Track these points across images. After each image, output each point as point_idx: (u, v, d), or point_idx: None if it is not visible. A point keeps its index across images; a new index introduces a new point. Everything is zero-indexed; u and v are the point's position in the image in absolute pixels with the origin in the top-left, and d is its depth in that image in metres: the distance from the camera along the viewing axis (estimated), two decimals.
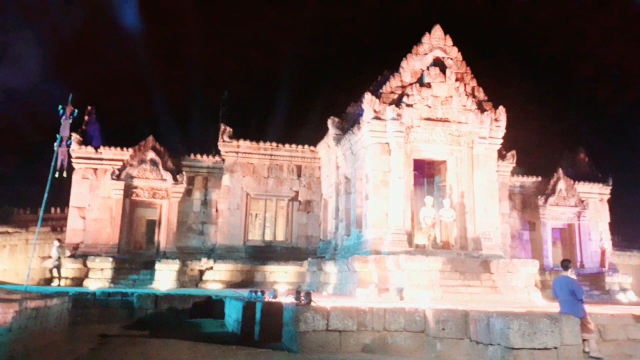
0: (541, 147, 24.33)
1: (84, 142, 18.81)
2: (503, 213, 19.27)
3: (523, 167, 22.18)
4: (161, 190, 18.58)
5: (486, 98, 16.15)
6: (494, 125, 15.49)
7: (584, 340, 7.38)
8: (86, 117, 19.50)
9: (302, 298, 9.23)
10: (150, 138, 18.93)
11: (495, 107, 15.87)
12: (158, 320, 12.01)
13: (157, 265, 17.06)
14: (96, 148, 18.81)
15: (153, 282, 16.77)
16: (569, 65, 34.32)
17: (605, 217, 21.82)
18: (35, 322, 8.54)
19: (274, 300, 10.13)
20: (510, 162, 20.40)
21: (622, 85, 31.36)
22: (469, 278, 13.40)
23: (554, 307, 10.47)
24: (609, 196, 21.99)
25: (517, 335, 6.95)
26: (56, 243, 17.47)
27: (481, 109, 15.52)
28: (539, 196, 21.03)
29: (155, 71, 36.74)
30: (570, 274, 7.76)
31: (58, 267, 17.00)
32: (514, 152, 20.41)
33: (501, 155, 18.84)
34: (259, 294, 11.05)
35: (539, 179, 21.83)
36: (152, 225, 19.57)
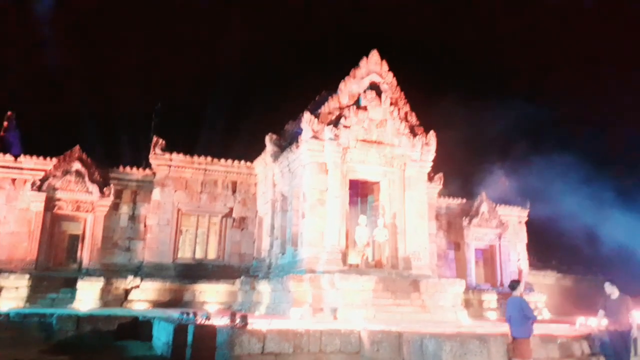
0: (467, 171, 25.61)
1: (2, 149, 17.54)
2: (430, 233, 19.95)
3: (449, 189, 23.17)
4: (86, 203, 17.64)
5: (418, 123, 16.80)
6: (424, 148, 16.08)
7: None
8: (5, 123, 18.26)
9: (238, 320, 9.05)
10: (77, 148, 17.98)
11: (427, 131, 16.53)
12: (80, 343, 11.29)
13: (79, 283, 16.10)
14: (15, 156, 17.57)
15: (74, 302, 15.78)
16: (498, 95, 36.76)
17: (523, 238, 23.26)
18: None
19: (207, 322, 9.84)
20: (437, 184, 21.26)
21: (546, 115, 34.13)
22: (400, 297, 13.72)
23: (481, 327, 10.99)
24: (526, 219, 23.49)
25: (449, 357, 7.22)
26: None
27: (413, 133, 16.12)
28: (464, 217, 21.92)
29: (84, 78, 35.03)
30: (519, 294, 8.06)
31: None
32: (441, 174, 21.32)
33: (430, 178, 19.60)
34: (191, 315, 10.67)
35: (464, 201, 22.80)
36: (74, 240, 18.47)
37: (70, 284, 16.32)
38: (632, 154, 32.97)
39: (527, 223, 23.50)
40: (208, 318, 10.13)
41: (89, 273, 16.93)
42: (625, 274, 22.35)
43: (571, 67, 39.88)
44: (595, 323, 9.15)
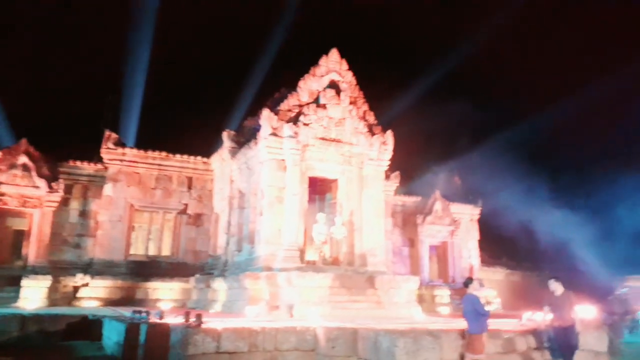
0: (422, 169, 26.18)
1: None
2: (386, 230, 20.23)
3: (405, 187, 23.59)
4: (33, 198, 16.89)
5: (376, 122, 16.99)
6: (382, 147, 16.29)
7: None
8: None
9: (192, 319, 8.92)
10: (24, 141, 17.16)
11: (384, 131, 16.75)
12: (25, 345, 10.85)
13: (24, 281, 15.44)
14: None
15: (19, 301, 15.14)
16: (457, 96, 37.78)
17: (475, 235, 23.95)
18: None
19: (160, 321, 9.65)
20: (394, 182, 21.61)
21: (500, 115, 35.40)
22: (356, 294, 13.85)
23: (434, 323, 11.28)
24: (478, 217, 24.20)
25: (402, 353, 7.37)
26: None
27: (371, 132, 16.30)
28: (418, 215, 22.32)
29: (32, 66, 33.45)
30: (473, 290, 8.38)
31: None
32: (397, 173, 21.67)
33: (386, 176, 19.86)
34: (144, 314, 10.44)
35: (419, 199, 23.26)
36: (19, 237, 17.68)
37: (14, 282, 15.61)
38: (571, 153, 34.76)
39: (478, 221, 24.21)
40: (161, 317, 9.94)
41: (36, 271, 16.24)
42: (566, 268, 23.52)
43: (517, 67, 41.43)
44: (541, 318, 9.56)
